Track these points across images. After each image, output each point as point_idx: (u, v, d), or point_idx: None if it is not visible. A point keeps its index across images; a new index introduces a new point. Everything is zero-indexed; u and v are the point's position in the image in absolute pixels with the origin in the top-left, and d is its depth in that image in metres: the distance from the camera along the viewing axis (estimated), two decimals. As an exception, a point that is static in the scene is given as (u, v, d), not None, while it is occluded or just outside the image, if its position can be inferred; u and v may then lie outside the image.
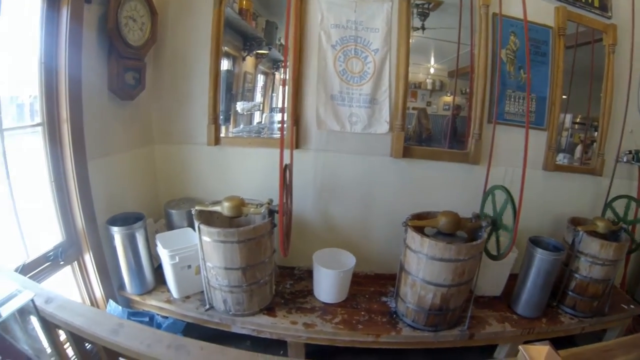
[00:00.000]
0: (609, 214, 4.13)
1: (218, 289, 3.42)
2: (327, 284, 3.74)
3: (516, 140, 3.79)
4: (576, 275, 3.74)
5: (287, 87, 3.86)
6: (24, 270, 2.84)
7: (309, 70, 3.95)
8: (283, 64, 4.21)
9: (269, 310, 3.63)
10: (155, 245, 3.70)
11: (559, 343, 1.67)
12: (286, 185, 3.32)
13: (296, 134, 4.01)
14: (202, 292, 3.61)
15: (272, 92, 4.54)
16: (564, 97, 4.18)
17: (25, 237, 2.95)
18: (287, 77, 3.88)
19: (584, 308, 3.79)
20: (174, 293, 3.73)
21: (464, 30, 3.98)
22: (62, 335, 2.39)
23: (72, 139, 3.15)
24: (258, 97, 4.50)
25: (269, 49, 4.36)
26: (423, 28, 4.00)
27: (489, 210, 3.55)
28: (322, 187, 4.20)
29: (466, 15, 3.95)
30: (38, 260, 3.06)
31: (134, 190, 4.05)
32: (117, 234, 3.49)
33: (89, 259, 3.47)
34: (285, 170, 3.17)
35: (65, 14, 2.97)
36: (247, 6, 4.20)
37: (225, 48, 4.08)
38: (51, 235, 3.27)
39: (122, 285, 3.76)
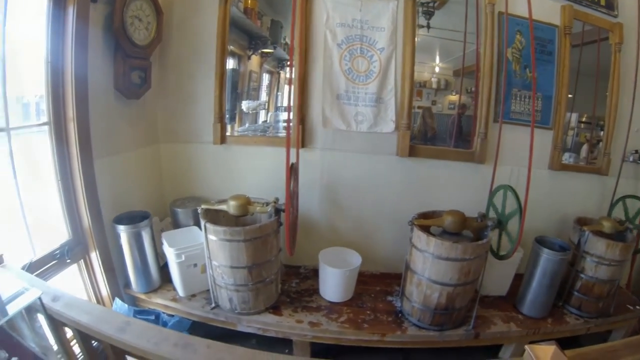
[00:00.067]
0: (615, 213, 4.11)
1: (224, 287, 3.43)
2: (333, 283, 3.74)
3: (522, 139, 3.78)
4: (582, 276, 3.72)
5: (292, 86, 3.86)
6: (31, 268, 2.85)
7: (314, 69, 3.96)
8: (289, 63, 4.21)
9: (275, 309, 3.64)
10: (161, 244, 3.71)
11: (564, 343, 1.66)
12: (292, 184, 3.32)
13: (302, 132, 4.01)
14: (208, 290, 3.62)
15: (278, 91, 4.54)
16: (569, 96, 4.16)
17: (32, 236, 2.96)
18: (293, 76, 3.88)
19: (590, 308, 3.77)
20: (180, 291, 3.74)
21: (469, 29, 3.96)
22: (69, 333, 2.39)
23: (79, 138, 3.16)
24: (263, 96, 4.50)
25: (274, 48, 4.37)
26: (428, 27, 3.99)
27: (494, 209, 3.54)
28: (328, 186, 4.20)
29: (471, 13, 3.93)
30: (45, 258, 3.07)
31: (140, 189, 4.06)
32: (123, 233, 3.50)
33: (95, 257, 3.48)
34: (292, 169, 3.17)
35: (71, 13, 2.98)
36: (252, 5, 4.20)
37: (231, 47, 4.09)
38: (58, 234, 3.28)
39: (128, 284, 3.78)
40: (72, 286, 3.39)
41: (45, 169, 3.16)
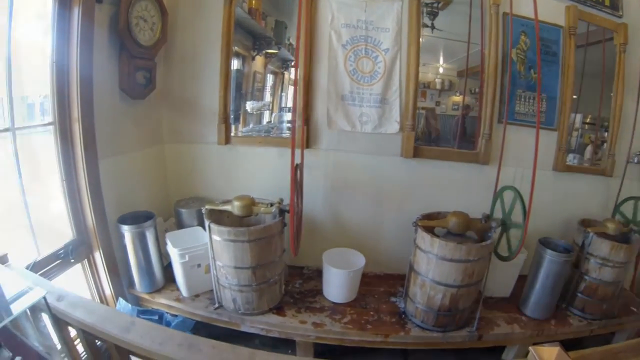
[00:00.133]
0: (620, 215, 4.10)
1: (228, 288, 3.43)
2: (337, 284, 3.75)
3: (526, 140, 3.79)
4: (586, 277, 3.71)
5: (297, 87, 3.86)
6: (35, 267, 2.86)
7: (319, 70, 3.95)
8: (293, 64, 4.21)
9: (278, 309, 3.64)
10: (165, 244, 3.72)
11: (567, 345, 1.66)
12: (297, 185, 3.32)
13: (307, 133, 4.01)
14: (212, 290, 3.62)
15: (282, 91, 4.54)
16: (574, 97, 4.15)
17: (36, 235, 2.96)
18: (298, 77, 3.88)
19: (593, 310, 3.76)
20: (184, 291, 3.74)
21: (474, 30, 3.96)
22: (72, 332, 2.40)
23: (83, 138, 3.17)
24: (267, 97, 4.50)
25: (279, 49, 4.37)
26: (432, 27, 3.99)
27: (499, 211, 3.54)
28: (332, 187, 4.20)
29: (476, 14, 3.93)
30: (49, 257, 3.08)
31: (144, 189, 4.07)
32: (127, 233, 3.51)
33: (99, 257, 3.48)
34: (296, 170, 3.17)
35: (76, 13, 2.99)
36: (257, 6, 4.21)
37: (235, 47, 4.09)
38: (62, 233, 3.29)
39: (131, 284, 3.78)
40: (76, 286, 3.39)
41: (49, 169, 3.17)
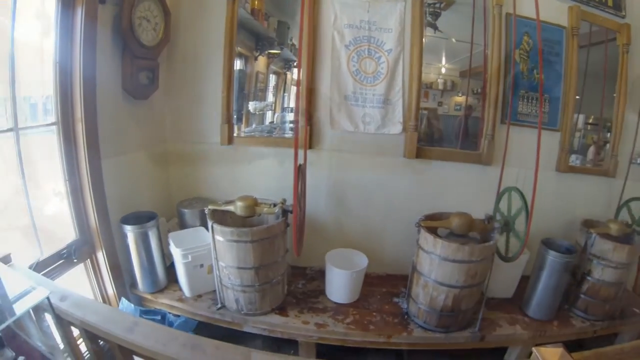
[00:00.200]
0: (622, 216, 4.09)
1: (230, 288, 3.43)
2: (340, 284, 3.75)
3: (529, 141, 3.77)
4: (588, 278, 3.71)
5: (300, 87, 3.86)
6: (38, 267, 2.87)
7: (322, 71, 3.95)
8: (296, 64, 4.22)
9: (281, 310, 3.64)
10: (168, 244, 3.72)
11: (570, 346, 1.66)
12: (300, 185, 3.32)
13: (309, 134, 4.01)
14: (214, 291, 3.62)
15: (284, 92, 4.54)
16: (576, 97, 4.14)
17: (39, 235, 2.97)
18: (301, 78, 3.88)
19: (596, 311, 3.76)
20: (186, 292, 3.75)
21: (476, 30, 3.95)
22: (75, 332, 2.40)
23: (86, 138, 3.18)
24: (270, 97, 4.50)
25: (281, 49, 4.36)
26: (435, 28, 3.99)
27: (501, 211, 3.53)
28: (335, 187, 4.20)
29: (478, 15, 3.92)
30: (52, 257, 3.09)
31: (147, 189, 4.08)
32: (130, 233, 3.52)
33: (101, 257, 3.49)
34: (299, 170, 3.17)
35: (79, 14, 3.00)
36: (259, 6, 4.20)
37: (238, 48, 4.09)
38: (65, 233, 3.29)
39: (134, 284, 3.79)
40: (79, 286, 3.40)
41: (53, 169, 3.17)
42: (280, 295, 3.70)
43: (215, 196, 4.26)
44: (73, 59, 3.05)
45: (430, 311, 3.44)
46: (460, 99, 4.19)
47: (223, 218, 3.54)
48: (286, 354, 3.52)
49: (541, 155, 3.06)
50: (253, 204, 3.41)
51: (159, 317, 3.64)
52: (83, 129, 3.14)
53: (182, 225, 4.16)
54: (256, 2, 4.18)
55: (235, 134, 4.22)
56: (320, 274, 4.06)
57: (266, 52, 4.35)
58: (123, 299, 3.59)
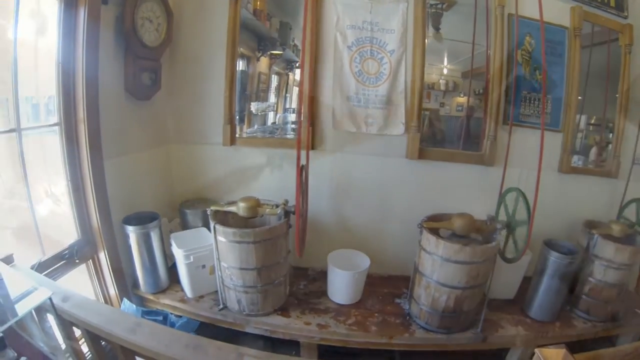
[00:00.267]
0: (625, 217, 4.09)
1: (232, 289, 3.43)
2: (342, 285, 3.75)
3: (531, 141, 3.78)
4: (590, 279, 3.70)
5: (303, 88, 3.87)
6: (40, 267, 2.88)
7: (324, 71, 3.95)
8: (298, 65, 4.22)
9: (283, 310, 3.64)
10: (170, 245, 3.72)
11: (572, 348, 1.66)
12: (302, 186, 3.32)
13: (312, 134, 4.01)
14: (216, 291, 3.62)
15: (286, 92, 4.54)
16: (579, 98, 4.14)
17: (41, 235, 2.97)
18: (304, 78, 3.88)
19: (598, 312, 3.75)
20: (188, 292, 3.75)
21: (478, 31, 3.95)
22: (77, 332, 2.40)
23: (89, 138, 3.18)
24: (272, 98, 4.49)
25: (283, 50, 4.36)
26: (437, 28, 3.98)
27: (503, 212, 3.53)
28: (337, 188, 4.20)
29: (480, 15, 3.92)
30: (54, 258, 3.09)
31: (149, 190, 4.08)
32: (132, 233, 3.52)
33: (103, 257, 3.50)
34: (302, 171, 3.17)
35: (82, 14, 3.00)
36: (261, 7, 4.21)
37: (240, 48, 4.09)
38: (67, 234, 3.30)
39: (136, 284, 3.79)
40: (80, 286, 3.40)
41: (55, 169, 3.18)
42: (282, 296, 3.70)
43: (218, 197, 4.27)
44: (76, 60, 3.05)
45: (432, 312, 3.44)
46: (462, 99, 4.19)
47: (225, 219, 3.54)
48: (287, 355, 3.53)
49: (543, 156, 3.06)
50: (256, 205, 3.41)
51: (160, 318, 3.63)
52: (85, 129, 3.15)
53: (184, 226, 4.17)
54: (258, 3, 4.18)
55: (237, 135, 4.23)
56: (322, 275, 4.05)
57: (268, 52, 4.35)
58: (125, 299, 3.59)
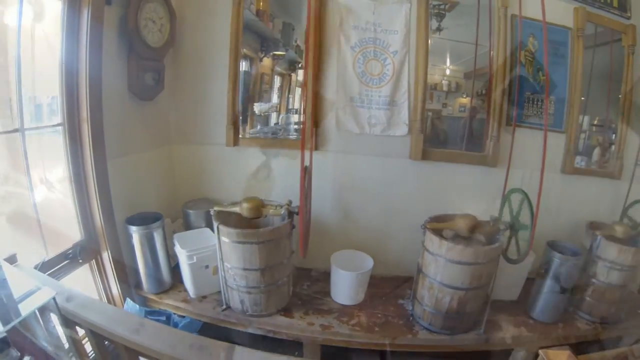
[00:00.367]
0: (629, 216, 4.08)
1: (236, 289, 3.43)
2: (345, 286, 3.74)
3: (534, 142, 3.77)
4: (594, 281, 3.69)
5: (306, 89, 3.87)
6: (43, 267, 2.87)
7: (327, 72, 3.96)
8: (301, 66, 4.23)
9: (286, 311, 3.64)
10: (173, 245, 3.72)
11: (575, 349, 1.66)
12: (306, 187, 3.32)
13: (315, 135, 4.01)
14: (219, 292, 3.63)
15: (289, 93, 4.54)
16: (582, 98, 4.13)
17: (44, 235, 2.98)
18: (307, 79, 3.88)
19: (601, 314, 3.74)
20: (191, 293, 3.75)
21: (480, 32, 3.95)
22: (80, 331, 2.40)
23: (92, 138, 3.18)
24: (275, 99, 4.50)
25: (286, 51, 4.36)
26: (439, 29, 3.98)
27: (507, 213, 3.52)
28: (341, 189, 4.20)
29: (483, 16, 3.92)
30: (57, 258, 3.09)
31: (152, 190, 4.09)
32: (135, 234, 3.52)
33: (107, 257, 3.50)
34: (305, 172, 3.17)
35: (86, 15, 3.00)
36: (264, 7, 4.21)
37: (243, 49, 4.09)
38: (70, 234, 3.30)
39: (139, 284, 3.79)
40: (84, 286, 3.41)
41: (58, 169, 3.18)
42: (286, 297, 3.70)
43: (221, 197, 4.27)
44: (79, 60, 3.06)
45: (435, 313, 3.43)
46: (464, 100, 4.18)
47: (228, 219, 3.53)
48: (288, 355, 3.52)
49: (546, 157, 3.05)
50: (259, 206, 3.41)
51: (163, 318, 3.63)
52: (89, 129, 3.15)
53: (188, 226, 4.17)
54: (261, 4, 4.19)
55: (240, 136, 4.23)
56: (326, 276, 4.04)
57: (271, 53, 4.35)
58: (128, 299, 3.60)
